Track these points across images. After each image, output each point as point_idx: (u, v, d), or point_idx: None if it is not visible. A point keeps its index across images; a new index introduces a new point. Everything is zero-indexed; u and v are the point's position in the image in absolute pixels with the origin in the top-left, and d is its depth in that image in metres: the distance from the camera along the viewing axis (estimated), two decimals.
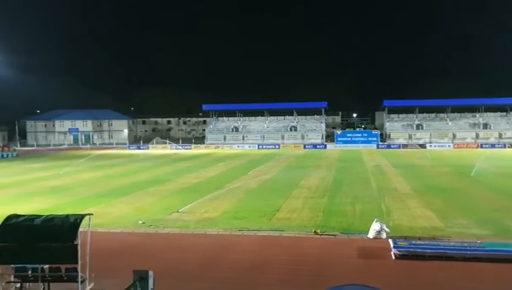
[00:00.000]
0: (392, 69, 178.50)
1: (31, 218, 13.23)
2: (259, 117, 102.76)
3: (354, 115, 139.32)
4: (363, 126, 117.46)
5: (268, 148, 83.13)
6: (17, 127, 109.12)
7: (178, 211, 24.12)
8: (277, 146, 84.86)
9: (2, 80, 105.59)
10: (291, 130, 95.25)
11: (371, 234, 18.29)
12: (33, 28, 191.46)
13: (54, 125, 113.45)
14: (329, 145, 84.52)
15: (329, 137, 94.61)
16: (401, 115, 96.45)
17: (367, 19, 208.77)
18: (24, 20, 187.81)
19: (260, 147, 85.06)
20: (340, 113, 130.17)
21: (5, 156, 69.07)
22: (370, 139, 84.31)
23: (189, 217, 22.87)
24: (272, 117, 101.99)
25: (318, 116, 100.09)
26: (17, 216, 13.39)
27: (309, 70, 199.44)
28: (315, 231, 19.22)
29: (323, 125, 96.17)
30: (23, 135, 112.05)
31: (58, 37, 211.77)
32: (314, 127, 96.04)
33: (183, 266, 15.29)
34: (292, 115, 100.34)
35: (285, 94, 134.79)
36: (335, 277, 14.04)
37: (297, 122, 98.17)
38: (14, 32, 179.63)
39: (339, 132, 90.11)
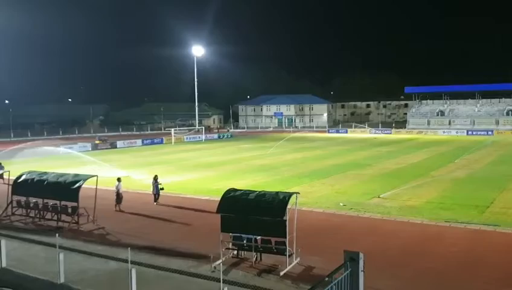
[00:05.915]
0: None
1: (246, 192, 14.72)
2: (469, 100, 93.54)
3: None
4: None
5: (479, 135, 75.27)
6: (230, 111, 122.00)
7: (379, 197, 23.78)
8: (490, 132, 76.31)
9: (220, 69, 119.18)
10: (507, 114, 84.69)
11: None
12: (251, 21, 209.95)
13: (261, 110, 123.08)
14: None
15: None
16: None
17: None
18: (243, 15, 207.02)
19: (469, 133, 77.67)
20: None
21: (221, 136, 78.13)
22: None
23: (391, 203, 22.33)
24: (484, 100, 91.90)
25: None
26: (234, 190, 15.05)
27: None
28: None
29: None
30: (235, 118, 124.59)
31: (268, 29, 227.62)
32: None
33: (386, 252, 15.00)
34: (509, 97, 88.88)
35: (500, 73, 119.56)
36: None
37: None
38: (233, 25, 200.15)
39: None
